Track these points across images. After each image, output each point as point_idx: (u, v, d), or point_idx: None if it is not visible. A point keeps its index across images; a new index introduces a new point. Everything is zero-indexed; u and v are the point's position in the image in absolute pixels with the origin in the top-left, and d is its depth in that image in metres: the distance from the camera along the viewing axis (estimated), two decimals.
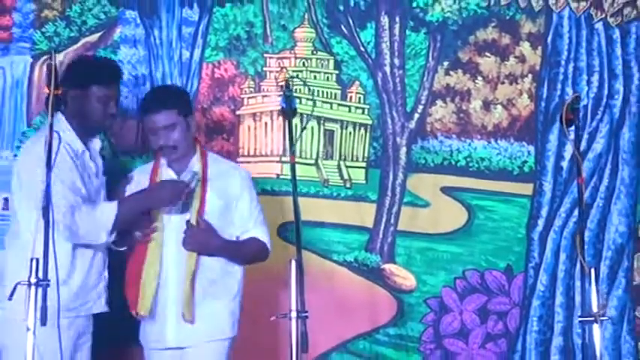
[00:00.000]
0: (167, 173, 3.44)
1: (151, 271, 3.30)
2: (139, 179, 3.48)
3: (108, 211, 3.26)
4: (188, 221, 3.32)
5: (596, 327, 3.09)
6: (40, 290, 2.77)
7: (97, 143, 3.49)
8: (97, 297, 3.39)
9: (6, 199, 3.86)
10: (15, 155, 3.87)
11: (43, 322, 2.76)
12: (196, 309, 3.29)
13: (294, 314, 2.92)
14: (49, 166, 2.86)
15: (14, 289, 2.84)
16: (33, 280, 2.77)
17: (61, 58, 3.90)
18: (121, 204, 3.29)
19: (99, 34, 4.00)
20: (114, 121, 3.52)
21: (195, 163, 3.44)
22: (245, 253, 3.44)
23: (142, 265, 3.31)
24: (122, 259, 3.43)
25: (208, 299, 3.33)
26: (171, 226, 3.36)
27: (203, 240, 3.32)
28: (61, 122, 3.31)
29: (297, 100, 3.67)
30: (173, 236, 3.33)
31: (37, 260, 2.78)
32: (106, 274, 3.43)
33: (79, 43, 3.98)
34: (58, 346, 3.05)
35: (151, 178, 3.44)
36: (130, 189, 3.47)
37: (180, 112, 3.42)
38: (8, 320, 3.17)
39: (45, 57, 3.91)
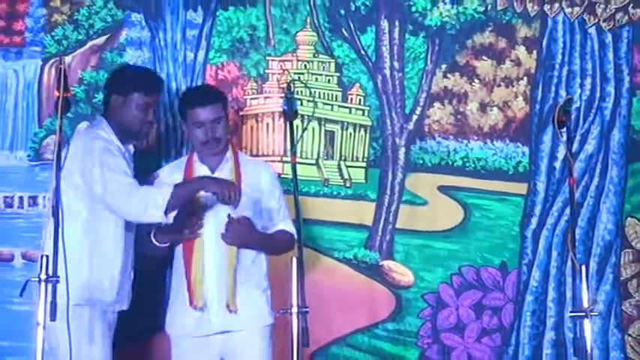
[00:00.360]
0: (201, 169, 3.50)
1: (199, 264, 3.39)
2: (172, 175, 3.52)
3: (164, 191, 3.29)
4: (229, 215, 3.40)
5: (586, 322, 3.15)
6: (50, 286, 2.84)
7: (131, 149, 3.55)
8: (127, 295, 3.48)
9: (30, 197, 3.96)
10: (28, 155, 3.97)
11: (53, 318, 2.83)
12: (237, 298, 3.39)
13: (295, 309, 2.96)
14: (58, 166, 2.94)
15: (25, 285, 2.94)
16: (43, 276, 2.84)
17: (69, 60, 3.96)
18: (177, 186, 3.33)
19: (105, 37, 4.04)
20: (151, 128, 3.58)
21: (229, 159, 3.52)
22: (277, 244, 3.56)
23: (191, 260, 3.40)
24: None
25: (247, 289, 3.42)
26: (210, 220, 3.43)
27: (243, 234, 3.41)
28: (103, 124, 3.44)
29: (299, 102, 3.73)
30: (212, 230, 3.42)
31: (47, 257, 2.85)
32: (132, 273, 3.50)
33: (87, 46, 4.03)
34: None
35: (185, 173, 3.51)
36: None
37: (224, 107, 3.55)
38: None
39: (54, 60, 3.96)
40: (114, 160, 3.36)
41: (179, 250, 3.48)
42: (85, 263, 3.34)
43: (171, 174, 3.55)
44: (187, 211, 3.40)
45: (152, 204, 3.27)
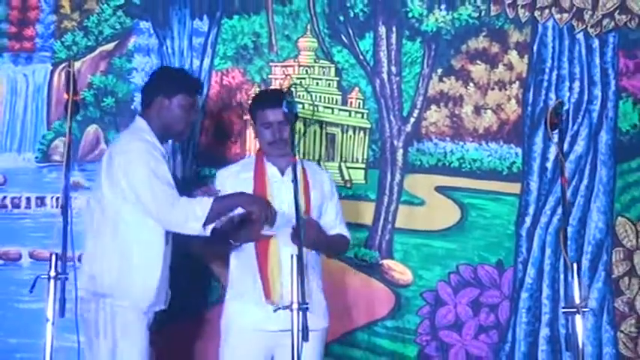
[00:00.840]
0: (272, 170, 3.55)
1: (275, 261, 3.44)
2: (240, 175, 3.55)
3: (204, 204, 3.33)
4: (300, 218, 3.39)
5: (578, 317, 3.19)
6: (59, 283, 2.91)
7: (167, 149, 3.59)
8: (166, 295, 3.50)
9: (37, 198, 4.03)
10: (36, 157, 4.06)
11: (62, 314, 2.89)
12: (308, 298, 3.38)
13: (295, 306, 3.01)
14: (67, 167, 3.01)
15: (34, 281, 2.99)
16: (52, 273, 2.91)
17: (79, 65, 4.05)
18: (216, 200, 3.36)
19: (114, 44, 4.14)
20: (190, 130, 3.62)
21: (298, 163, 3.48)
22: (337, 247, 3.66)
23: (267, 257, 3.44)
24: None
25: (314, 289, 3.49)
26: (281, 222, 3.45)
27: (313, 236, 3.45)
28: (145, 127, 3.46)
29: (300, 106, 3.84)
30: (283, 232, 3.44)
31: (57, 255, 2.92)
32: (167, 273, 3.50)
33: (96, 52, 4.12)
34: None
35: (256, 173, 3.54)
36: (224, 179, 3.57)
37: (292, 108, 3.49)
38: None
39: (63, 65, 4.04)
40: (160, 167, 3.37)
41: (247, 248, 3.49)
42: (126, 265, 3.36)
43: (239, 173, 3.58)
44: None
45: (192, 216, 3.29)
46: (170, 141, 3.66)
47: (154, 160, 3.35)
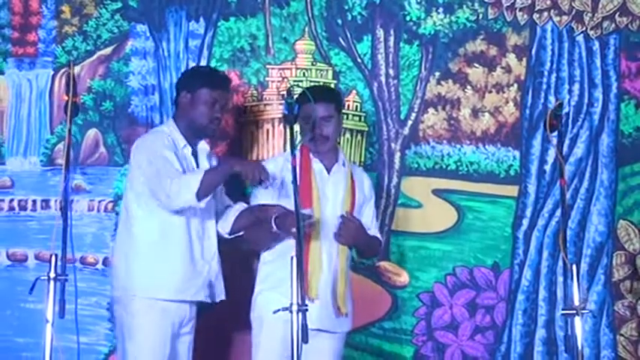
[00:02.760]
0: (318, 166, 3.54)
1: (315, 257, 3.42)
2: (286, 165, 3.42)
3: (196, 174, 3.35)
4: (343, 216, 3.44)
5: (577, 319, 3.19)
6: (58, 284, 2.97)
7: (203, 145, 3.62)
8: (201, 286, 3.47)
9: (43, 201, 4.12)
10: (41, 161, 4.13)
11: (61, 315, 2.94)
12: (348, 302, 3.49)
13: (295, 307, 3.00)
14: (67, 167, 3.05)
15: (34, 283, 3.05)
16: (52, 274, 2.96)
17: (78, 70, 4.09)
18: (207, 171, 3.39)
19: (112, 47, 4.17)
20: (219, 125, 3.62)
21: (346, 164, 3.57)
22: (373, 248, 3.69)
23: (308, 252, 3.40)
24: None
25: (349, 294, 3.53)
26: (323, 219, 3.45)
27: (355, 234, 3.48)
28: (169, 122, 3.58)
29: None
30: (325, 230, 3.45)
31: (57, 255, 2.97)
32: (214, 264, 3.53)
33: (95, 56, 4.16)
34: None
35: (302, 167, 3.46)
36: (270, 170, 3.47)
37: (337, 107, 3.58)
38: None
39: (64, 69, 4.07)
40: (163, 150, 3.41)
41: (286, 241, 3.45)
42: (135, 259, 3.43)
43: (286, 164, 3.43)
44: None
45: (185, 188, 3.30)
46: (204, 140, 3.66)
47: (159, 144, 3.43)
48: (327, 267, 3.46)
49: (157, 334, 3.38)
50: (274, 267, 3.51)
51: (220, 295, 3.56)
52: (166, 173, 3.36)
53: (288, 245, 3.41)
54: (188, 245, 3.46)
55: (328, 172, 3.55)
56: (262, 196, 3.54)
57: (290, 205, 3.30)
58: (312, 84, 4.09)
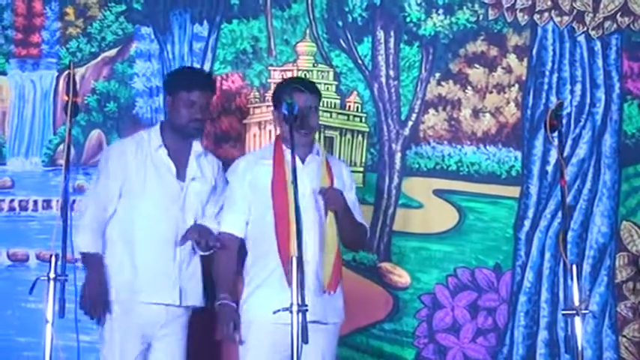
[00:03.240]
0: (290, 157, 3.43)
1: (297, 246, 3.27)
2: (259, 161, 3.52)
3: (79, 238, 3.42)
4: (322, 187, 3.43)
5: (577, 320, 3.16)
6: (58, 284, 2.99)
7: (197, 146, 3.64)
8: (169, 289, 3.47)
9: (44, 201, 4.17)
10: (43, 161, 4.18)
11: (61, 315, 2.97)
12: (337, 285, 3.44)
13: (295, 308, 2.99)
14: (67, 168, 3.09)
15: (34, 283, 3.09)
16: (52, 275, 2.98)
17: (83, 71, 4.14)
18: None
19: (117, 49, 4.22)
20: (200, 125, 3.61)
21: (320, 153, 3.55)
22: (357, 230, 3.60)
23: (288, 242, 3.32)
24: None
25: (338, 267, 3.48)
26: (305, 201, 3.39)
27: (341, 196, 3.45)
28: (157, 126, 3.65)
29: None
30: (306, 218, 3.33)
31: (57, 255, 2.99)
32: (185, 268, 3.51)
33: (99, 58, 4.21)
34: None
35: (275, 160, 3.49)
36: (241, 170, 3.55)
37: (319, 99, 3.61)
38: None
39: (68, 71, 3.98)
40: (108, 162, 3.52)
41: (267, 236, 3.43)
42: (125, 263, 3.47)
43: (258, 159, 3.55)
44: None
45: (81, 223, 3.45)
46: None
47: (113, 153, 3.57)
48: (310, 254, 3.39)
49: (124, 336, 3.40)
50: (255, 271, 3.50)
51: (192, 300, 3.53)
52: (91, 191, 3.54)
53: (269, 239, 3.42)
54: (156, 248, 3.48)
55: (302, 163, 3.52)
56: (238, 199, 3.53)
57: (263, 207, 3.38)
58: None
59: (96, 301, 3.41)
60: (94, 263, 3.44)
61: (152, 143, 3.56)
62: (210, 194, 3.62)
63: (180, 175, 3.56)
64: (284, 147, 3.50)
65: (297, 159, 3.46)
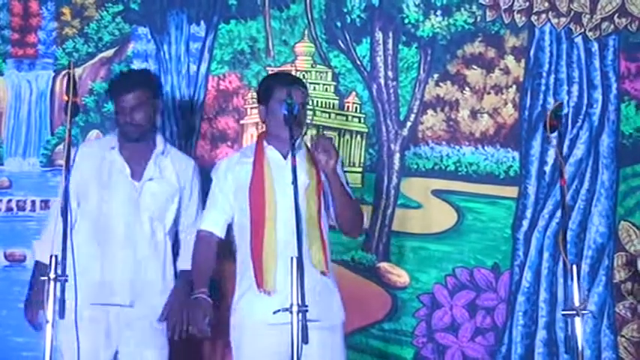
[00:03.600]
0: (273, 154, 3.42)
1: (270, 248, 3.29)
2: (242, 159, 3.46)
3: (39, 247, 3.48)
4: (316, 142, 3.35)
5: (577, 320, 3.15)
6: (58, 285, 2.92)
7: (159, 145, 3.61)
8: (112, 291, 3.48)
9: (42, 201, 4.16)
10: (41, 162, 4.17)
11: (61, 316, 2.92)
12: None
13: (295, 308, 2.94)
14: (67, 167, 3.05)
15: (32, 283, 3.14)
16: (52, 275, 2.92)
17: (80, 72, 4.12)
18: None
19: (113, 50, 4.21)
20: (136, 129, 3.55)
21: (302, 147, 3.45)
22: (352, 203, 3.47)
23: (261, 243, 3.30)
24: None
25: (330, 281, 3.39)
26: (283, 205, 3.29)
27: (334, 150, 3.33)
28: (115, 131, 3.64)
29: None
30: (282, 217, 3.29)
31: (57, 256, 2.93)
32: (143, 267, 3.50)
33: (96, 59, 4.20)
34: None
35: (255, 158, 3.43)
36: (223, 171, 3.48)
37: (308, 95, 3.53)
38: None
39: (65, 71, 4.10)
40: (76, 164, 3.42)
41: (243, 229, 3.39)
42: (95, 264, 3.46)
43: (239, 158, 3.49)
44: None
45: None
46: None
47: (79, 154, 3.38)
48: (284, 256, 3.17)
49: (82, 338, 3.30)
50: (243, 268, 3.43)
51: (147, 301, 3.51)
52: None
53: (249, 249, 3.36)
54: (112, 249, 3.48)
55: (285, 158, 3.39)
56: (219, 199, 3.48)
57: (246, 207, 3.35)
58: (312, 84, 4.13)
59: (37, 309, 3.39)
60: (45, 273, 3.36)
61: (108, 144, 3.59)
62: (176, 196, 3.61)
63: (136, 175, 3.56)
64: (265, 144, 3.45)
65: (280, 155, 3.42)
